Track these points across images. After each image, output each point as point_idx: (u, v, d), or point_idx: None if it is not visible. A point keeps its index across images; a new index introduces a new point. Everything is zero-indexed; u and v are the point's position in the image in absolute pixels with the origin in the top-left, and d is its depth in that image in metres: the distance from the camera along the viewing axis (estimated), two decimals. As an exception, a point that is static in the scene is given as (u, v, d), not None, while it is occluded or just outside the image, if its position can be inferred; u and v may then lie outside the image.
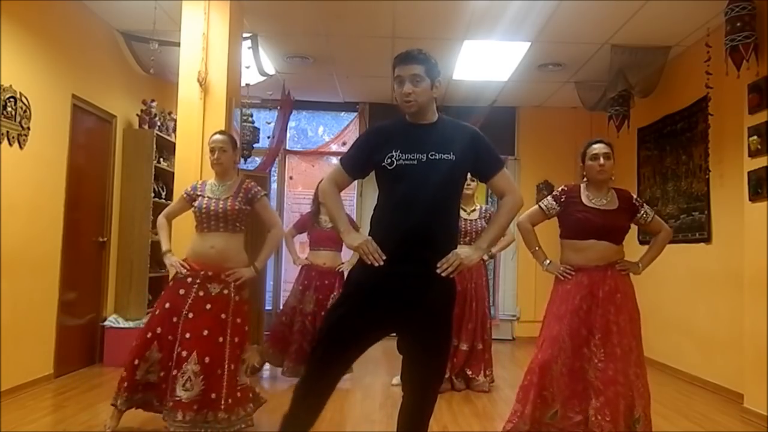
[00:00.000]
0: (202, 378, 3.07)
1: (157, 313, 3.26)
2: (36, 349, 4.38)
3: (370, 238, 2.22)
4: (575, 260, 3.03)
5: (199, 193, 3.36)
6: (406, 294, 2.19)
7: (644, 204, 3.15)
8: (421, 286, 2.20)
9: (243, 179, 3.46)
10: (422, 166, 2.19)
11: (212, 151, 3.34)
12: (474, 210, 4.73)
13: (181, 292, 3.22)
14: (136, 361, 3.20)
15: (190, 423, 3.03)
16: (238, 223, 3.31)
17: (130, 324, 5.23)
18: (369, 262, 2.16)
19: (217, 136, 3.39)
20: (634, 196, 3.16)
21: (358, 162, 2.33)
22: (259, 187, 3.42)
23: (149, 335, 3.22)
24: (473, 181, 4.65)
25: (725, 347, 4.63)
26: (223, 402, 3.11)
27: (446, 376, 4.54)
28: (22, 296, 4.14)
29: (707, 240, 4.94)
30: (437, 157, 2.20)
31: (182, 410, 3.03)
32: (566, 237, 3.09)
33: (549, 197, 3.17)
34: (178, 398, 3.05)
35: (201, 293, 3.20)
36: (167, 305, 3.23)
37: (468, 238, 4.64)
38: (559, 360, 2.94)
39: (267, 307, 6.99)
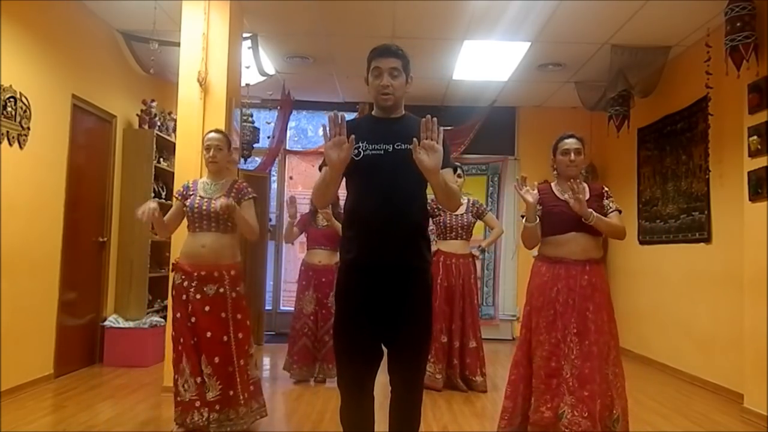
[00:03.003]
0: (216, 378, 3.13)
1: (174, 324, 3.26)
2: (36, 349, 4.39)
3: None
4: (555, 252, 3.01)
5: (191, 192, 3.33)
6: (385, 285, 2.23)
7: (611, 197, 3.11)
8: (397, 276, 2.24)
9: (235, 179, 3.45)
10: (388, 156, 2.23)
11: (207, 148, 3.32)
12: (460, 204, 4.70)
13: (183, 298, 3.23)
14: (176, 377, 3.21)
15: (216, 423, 3.11)
16: (231, 222, 3.29)
17: (130, 324, 5.24)
18: (334, 132, 2.06)
19: (213, 134, 3.38)
20: (605, 188, 3.16)
21: None
22: (251, 189, 3.41)
23: (180, 347, 3.22)
24: (460, 177, 4.65)
25: (725, 347, 4.63)
26: (241, 397, 3.19)
27: (443, 376, 4.55)
28: (22, 296, 4.14)
29: (707, 240, 4.94)
30: (403, 147, 2.22)
31: (210, 408, 3.10)
32: (546, 234, 3.06)
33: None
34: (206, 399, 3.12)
35: (198, 296, 3.20)
36: (178, 315, 3.23)
37: (454, 233, 4.65)
38: (537, 352, 2.94)
39: (267, 307, 7.00)
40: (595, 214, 2.91)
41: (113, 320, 5.24)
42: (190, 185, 3.39)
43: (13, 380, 4.05)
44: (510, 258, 7.39)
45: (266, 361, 5.91)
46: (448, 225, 4.65)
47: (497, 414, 3.93)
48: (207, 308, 3.19)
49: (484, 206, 4.90)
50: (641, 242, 6.02)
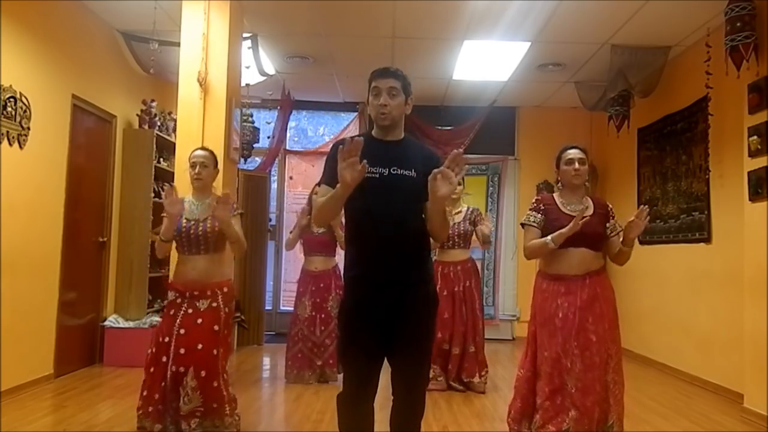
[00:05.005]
0: (199, 392, 3.10)
1: (160, 339, 3.24)
2: (36, 349, 4.39)
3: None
4: (554, 269, 2.99)
5: None
6: (387, 304, 2.25)
7: (615, 218, 3.06)
8: (398, 294, 2.26)
9: (219, 196, 3.37)
10: (384, 180, 2.23)
11: (193, 165, 3.27)
12: (459, 212, 4.66)
13: (172, 312, 3.22)
14: (146, 392, 3.22)
15: (200, 428, 3.11)
16: (220, 242, 3.26)
17: (130, 324, 5.24)
18: (348, 153, 2.07)
19: (199, 152, 3.33)
20: (610, 206, 3.11)
21: (334, 175, 2.28)
22: (236, 205, 3.38)
23: (152, 369, 3.21)
24: (460, 184, 4.63)
25: (725, 347, 4.63)
26: (227, 408, 3.22)
27: (443, 378, 4.56)
28: (22, 296, 4.14)
29: (707, 240, 4.94)
30: (399, 173, 2.25)
31: (186, 420, 3.09)
32: None
33: (528, 212, 3.10)
34: (180, 411, 3.11)
35: (190, 311, 3.19)
36: (163, 329, 3.22)
37: (452, 242, 4.61)
38: (543, 368, 2.92)
39: (267, 307, 7.00)
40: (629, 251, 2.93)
41: (113, 320, 5.24)
42: None
43: (13, 380, 4.05)
44: (510, 258, 7.39)
45: (266, 361, 5.91)
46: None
47: (497, 414, 3.96)
48: (199, 321, 3.17)
49: (482, 216, 4.85)
50: (641, 242, 6.01)
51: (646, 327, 5.95)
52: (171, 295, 3.27)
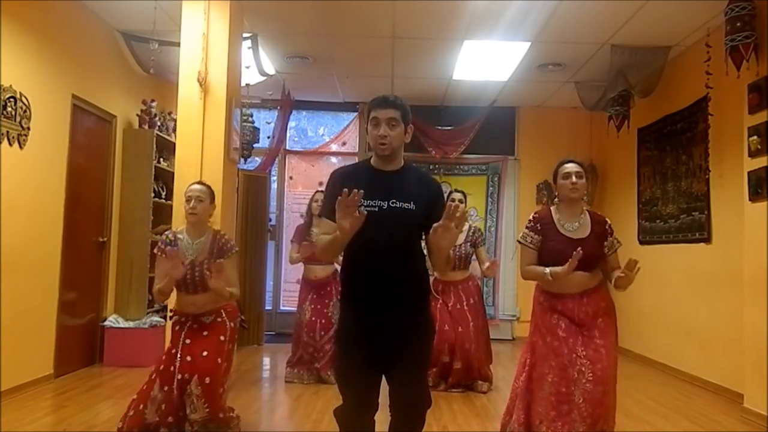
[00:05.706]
0: (204, 401, 3.08)
1: (163, 357, 3.24)
2: (36, 349, 4.39)
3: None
4: (552, 288, 2.98)
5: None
6: (384, 333, 2.28)
7: (614, 234, 3.03)
8: (395, 323, 2.28)
9: (215, 233, 3.31)
10: (383, 213, 2.22)
11: (188, 200, 3.20)
12: (460, 232, 4.63)
13: (177, 327, 3.23)
14: (141, 406, 3.16)
15: (203, 429, 3.13)
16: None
17: (130, 324, 5.24)
18: (346, 205, 2.08)
19: (195, 186, 3.27)
20: (608, 222, 3.05)
21: (334, 209, 2.26)
22: (232, 242, 3.33)
23: (153, 376, 3.20)
24: (461, 201, 4.61)
25: (725, 347, 4.63)
26: (232, 414, 3.27)
27: (442, 387, 4.58)
28: (22, 296, 4.15)
29: (707, 240, 4.94)
30: (398, 206, 2.25)
31: (191, 424, 3.10)
32: (544, 266, 2.97)
33: (525, 231, 3.07)
34: (188, 418, 3.11)
35: (195, 326, 3.21)
36: (173, 342, 3.23)
37: (452, 265, 4.58)
38: (548, 378, 2.90)
39: (267, 307, 7.00)
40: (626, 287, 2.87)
41: (113, 320, 5.24)
42: (171, 241, 3.24)
43: (13, 380, 4.05)
44: (510, 258, 7.38)
45: (266, 361, 5.91)
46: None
47: (497, 414, 3.95)
48: (205, 333, 3.18)
49: (483, 236, 4.83)
50: (641, 242, 6.03)
51: (646, 327, 5.95)
52: (175, 318, 3.29)
